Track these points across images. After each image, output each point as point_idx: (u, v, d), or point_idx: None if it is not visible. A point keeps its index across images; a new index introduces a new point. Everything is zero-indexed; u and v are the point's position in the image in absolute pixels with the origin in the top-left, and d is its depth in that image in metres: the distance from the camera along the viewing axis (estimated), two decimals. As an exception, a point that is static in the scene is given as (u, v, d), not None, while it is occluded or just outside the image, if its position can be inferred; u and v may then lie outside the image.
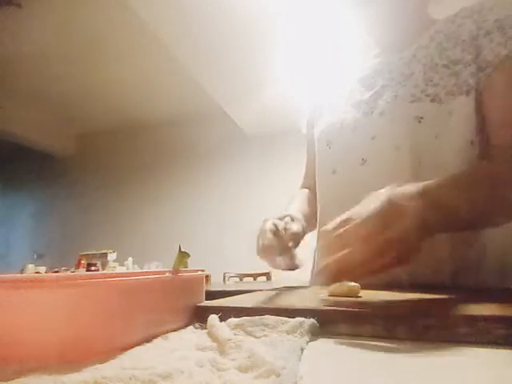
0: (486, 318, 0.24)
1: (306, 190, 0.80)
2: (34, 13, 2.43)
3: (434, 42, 0.60)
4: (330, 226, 0.40)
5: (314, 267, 0.74)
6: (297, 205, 0.74)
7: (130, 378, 0.18)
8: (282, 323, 0.28)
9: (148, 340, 0.27)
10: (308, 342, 0.26)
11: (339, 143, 0.64)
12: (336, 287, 0.39)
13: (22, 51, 2.85)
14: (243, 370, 0.20)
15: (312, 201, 0.75)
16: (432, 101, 0.55)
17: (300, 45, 2.38)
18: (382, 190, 0.40)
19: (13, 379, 0.19)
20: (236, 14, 2.12)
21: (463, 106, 0.54)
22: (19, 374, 0.20)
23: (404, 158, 0.55)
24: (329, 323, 0.29)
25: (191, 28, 2.22)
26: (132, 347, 0.25)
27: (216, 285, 2.33)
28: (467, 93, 0.54)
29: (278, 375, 0.18)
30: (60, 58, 2.95)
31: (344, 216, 0.40)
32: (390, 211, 0.37)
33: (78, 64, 3.04)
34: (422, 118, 0.54)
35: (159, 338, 0.28)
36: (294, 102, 2.60)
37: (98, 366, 0.21)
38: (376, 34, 0.70)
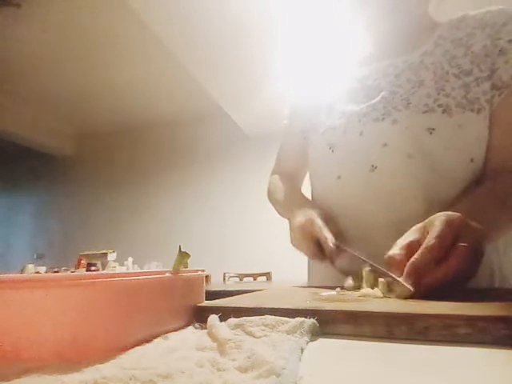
0: (486, 318, 0.24)
1: (281, 184, 0.79)
2: (33, 13, 2.43)
3: (440, 48, 0.60)
4: (394, 251, 0.40)
5: (309, 268, 0.74)
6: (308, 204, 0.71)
7: (130, 378, 0.18)
8: (282, 323, 0.28)
9: (148, 340, 0.27)
10: (308, 342, 0.26)
11: (344, 148, 0.63)
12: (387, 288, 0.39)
13: (22, 51, 2.85)
14: (243, 370, 0.20)
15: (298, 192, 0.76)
16: (443, 112, 0.55)
17: (300, 45, 2.38)
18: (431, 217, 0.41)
19: (13, 379, 0.19)
20: (236, 14, 2.13)
21: (472, 123, 0.54)
22: (19, 373, 0.20)
23: (417, 166, 0.55)
24: (329, 323, 0.28)
25: (191, 28, 2.22)
26: (132, 347, 0.25)
27: (216, 285, 2.33)
28: (478, 111, 0.54)
29: (278, 375, 0.18)
30: (60, 58, 2.95)
31: (404, 241, 0.41)
32: (455, 224, 0.38)
33: (77, 64, 3.04)
34: (433, 129, 0.54)
35: (159, 338, 0.27)
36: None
37: (98, 366, 0.21)
38: (375, 35, 0.69)
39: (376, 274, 0.42)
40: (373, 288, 0.41)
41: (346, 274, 0.49)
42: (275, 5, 2.07)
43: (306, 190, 0.76)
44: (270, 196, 0.81)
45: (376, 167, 0.58)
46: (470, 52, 0.57)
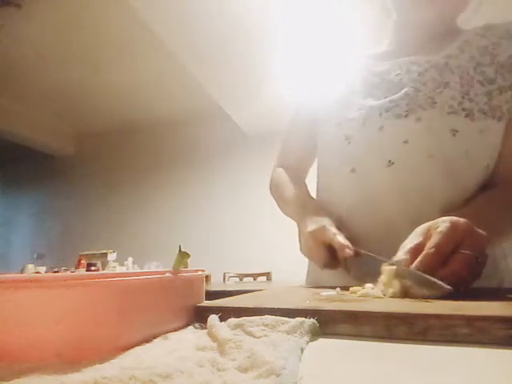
0: (486, 318, 0.24)
1: (288, 181, 0.76)
2: (33, 13, 2.43)
3: (465, 54, 0.60)
4: (400, 256, 0.41)
5: (308, 268, 0.74)
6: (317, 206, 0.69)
7: (130, 378, 0.18)
8: (282, 323, 0.28)
9: (148, 340, 0.27)
10: (308, 342, 0.26)
11: (361, 140, 0.61)
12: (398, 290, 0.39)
13: (22, 51, 2.85)
14: (243, 370, 0.20)
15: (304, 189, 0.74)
16: (466, 116, 0.55)
17: (300, 46, 2.38)
18: (438, 219, 0.41)
19: (13, 379, 0.19)
20: (236, 14, 2.13)
21: (492, 130, 0.55)
22: (19, 374, 0.20)
23: (436, 167, 0.55)
24: (329, 323, 0.28)
25: (191, 29, 2.22)
26: (132, 347, 0.25)
27: (216, 285, 2.33)
28: (499, 118, 0.55)
29: (278, 375, 0.18)
30: (60, 58, 2.95)
31: (409, 245, 0.41)
32: (459, 231, 0.38)
33: (77, 64, 3.04)
34: (457, 131, 0.55)
35: (159, 338, 0.27)
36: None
37: (98, 366, 0.21)
38: (397, 30, 0.68)
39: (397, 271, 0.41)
40: (391, 286, 0.40)
41: (362, 281, 0.47)
42: (275, 5, 2.08)
43: (310, 182, 0.75)
44: (274, 191, 0.78)
45: (393, 163, 0.58)
46: (496, 61, 0.57)
